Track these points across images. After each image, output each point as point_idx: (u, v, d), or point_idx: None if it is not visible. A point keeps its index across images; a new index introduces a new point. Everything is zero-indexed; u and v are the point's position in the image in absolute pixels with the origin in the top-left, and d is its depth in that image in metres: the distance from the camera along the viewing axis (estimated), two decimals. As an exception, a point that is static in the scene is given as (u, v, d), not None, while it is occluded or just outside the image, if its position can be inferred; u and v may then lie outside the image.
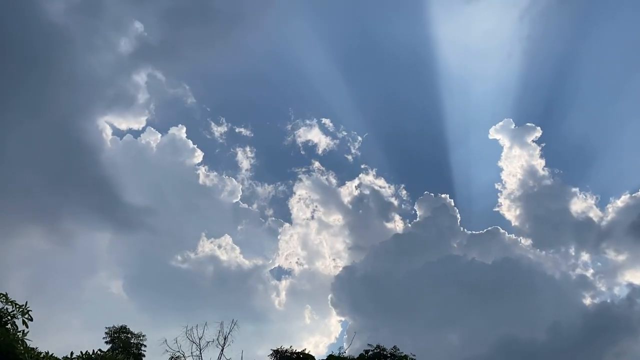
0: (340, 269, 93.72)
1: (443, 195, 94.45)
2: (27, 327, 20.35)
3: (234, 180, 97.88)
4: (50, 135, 75.39)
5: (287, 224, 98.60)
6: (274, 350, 39.74)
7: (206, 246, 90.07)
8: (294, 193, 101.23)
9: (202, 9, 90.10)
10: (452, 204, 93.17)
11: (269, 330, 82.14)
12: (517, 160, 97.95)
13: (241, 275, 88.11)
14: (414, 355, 38.05)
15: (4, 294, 20.28)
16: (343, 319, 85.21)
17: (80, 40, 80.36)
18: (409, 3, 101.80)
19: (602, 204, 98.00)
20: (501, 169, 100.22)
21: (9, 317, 20.07)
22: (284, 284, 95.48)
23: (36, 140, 72.50)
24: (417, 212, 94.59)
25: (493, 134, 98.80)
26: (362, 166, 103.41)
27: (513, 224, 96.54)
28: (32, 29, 73.96)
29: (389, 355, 37.18)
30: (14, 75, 71.35)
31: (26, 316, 20.40)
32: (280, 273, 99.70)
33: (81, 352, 25.17)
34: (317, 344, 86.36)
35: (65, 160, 76.15)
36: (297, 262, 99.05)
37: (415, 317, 77.14)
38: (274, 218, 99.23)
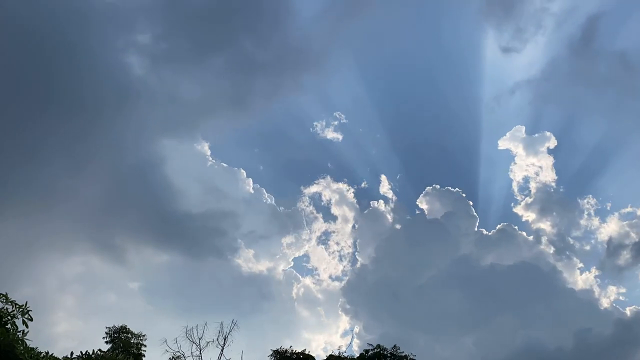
0: (351, 273, 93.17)
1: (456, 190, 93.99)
2: (27, 327, 20.27)
3: (264, 191, 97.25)
4: (104, 159, 77.79)
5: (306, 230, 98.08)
6: (274, 351, 39.86)
7: (243, 254, 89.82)
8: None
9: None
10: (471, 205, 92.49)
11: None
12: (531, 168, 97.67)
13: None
14: (414, 355, 38.17)
15: (4, 294, 20.19)
16: (354, 324, 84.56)
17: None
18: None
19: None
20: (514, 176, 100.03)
21: (9, 317, 19.97)
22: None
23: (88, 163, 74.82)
24: (428, 209, 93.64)
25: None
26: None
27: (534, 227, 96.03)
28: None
29: (389, 355, 37.27)
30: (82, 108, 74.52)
31: (26, 316, 20.31)
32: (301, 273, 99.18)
33: (81, 352, 25.23)
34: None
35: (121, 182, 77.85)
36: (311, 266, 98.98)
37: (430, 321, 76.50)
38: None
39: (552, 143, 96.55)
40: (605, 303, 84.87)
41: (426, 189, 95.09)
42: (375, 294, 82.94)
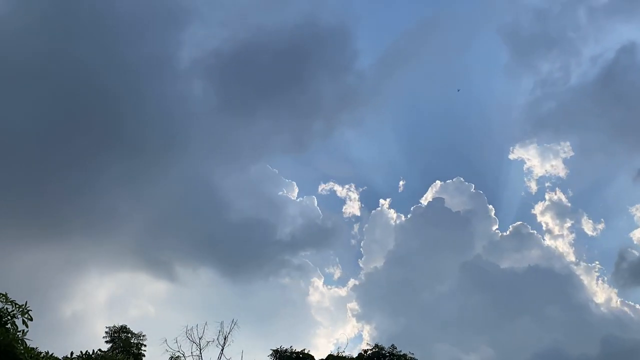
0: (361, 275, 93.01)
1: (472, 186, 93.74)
2: (27, 327, 20.23)
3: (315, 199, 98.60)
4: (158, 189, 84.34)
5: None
6: (273, 350, 39.81)
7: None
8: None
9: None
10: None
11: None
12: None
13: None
14: (412, 353, 38.19)
15: (4, 294, 20.15)
16: (365, 326, 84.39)
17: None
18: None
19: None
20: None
21: (9, 317, 19.95)
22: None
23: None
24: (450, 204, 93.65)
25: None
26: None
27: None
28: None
29: (387, 354, 37.30)
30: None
31: (26, 316, 20.27)
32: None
33: (81, 352, 25.27)
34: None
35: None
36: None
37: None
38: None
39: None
40: (629, 311, 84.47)
41: (439, 184, 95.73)
42: (386, 296, 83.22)
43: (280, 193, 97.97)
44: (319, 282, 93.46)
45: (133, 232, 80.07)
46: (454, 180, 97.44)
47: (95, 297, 78.57)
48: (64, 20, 77.67)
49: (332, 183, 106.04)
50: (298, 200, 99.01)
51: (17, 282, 61.89)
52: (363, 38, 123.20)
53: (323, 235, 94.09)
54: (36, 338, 20.62)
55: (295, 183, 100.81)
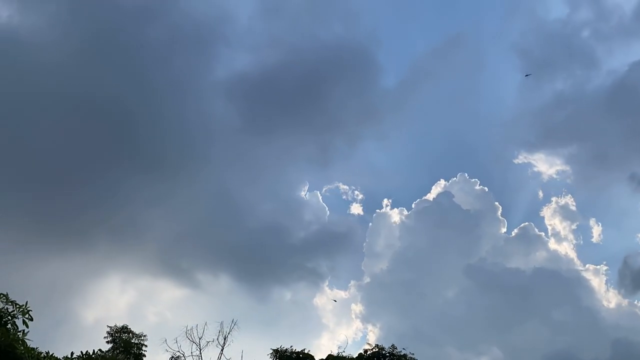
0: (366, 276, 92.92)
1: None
2: (27, 327, 20.33)
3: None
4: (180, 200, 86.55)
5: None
6: (274, 350, 39.79)
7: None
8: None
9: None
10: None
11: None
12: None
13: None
14: (412, 353, 38.22)
15: (4, 294, 20.24)
16: (371, 328, 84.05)
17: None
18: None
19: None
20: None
21: (9, 317, 20.02)
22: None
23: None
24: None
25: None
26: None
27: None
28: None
29: (387, 354, 37.31)
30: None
31: (26, 316, 20.35)
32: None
33: (81, 352, 25.31)
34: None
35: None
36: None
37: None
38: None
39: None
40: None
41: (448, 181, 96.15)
42: (391, 297, 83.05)
43: (294, 195, 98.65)
44: (325, 284, 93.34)
45: (154, 241, 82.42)
46: (457, 177, 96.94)
47: (116, 304, 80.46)
48: (99, 48, 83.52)
49: (337, 183, 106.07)
50: (307, 200, 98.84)
51: (40, 289, 65.83)
52: (386, 56, 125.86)
53: (332, 238, 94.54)
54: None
55: (308, 184, 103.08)
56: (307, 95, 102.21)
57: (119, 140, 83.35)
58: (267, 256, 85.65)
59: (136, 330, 38.96)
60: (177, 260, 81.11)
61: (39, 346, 20.67)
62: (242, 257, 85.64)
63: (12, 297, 20.13)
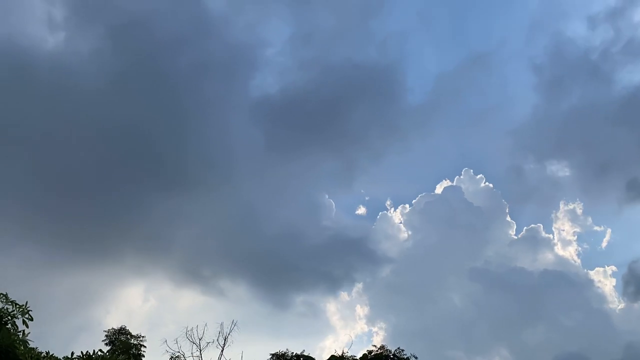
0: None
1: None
2: (27, 327, 20.16)
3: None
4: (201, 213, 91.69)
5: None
6: (272, 355, 39.38)
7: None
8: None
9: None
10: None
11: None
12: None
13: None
14: (416, 357, 37.76)
15: (4, 294, 20.06)
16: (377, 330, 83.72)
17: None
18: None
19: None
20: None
21: (9, 317, 19.82)
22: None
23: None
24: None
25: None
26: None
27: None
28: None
29: (392, 356, 36.83)
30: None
31: (26, 316, 20.20)
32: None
33: (81, 352, 24.92)
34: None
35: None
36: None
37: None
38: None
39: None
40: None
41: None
42: (397, 299, 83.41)
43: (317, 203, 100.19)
44: (334, 288, 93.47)
45: (177, 251, 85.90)
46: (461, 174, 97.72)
47: (138, 313, 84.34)
48: (134, 75, 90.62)
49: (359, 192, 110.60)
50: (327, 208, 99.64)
51: (66, 297, 73.36)
52: (411, 76, 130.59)
53: (348, 245, 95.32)
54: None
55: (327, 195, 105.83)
56: (330, 115, 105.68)
57: (147, 159, 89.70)
58: (283, 261, 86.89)
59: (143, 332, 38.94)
60: (199, 269, 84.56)
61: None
62: (260, 263, 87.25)
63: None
